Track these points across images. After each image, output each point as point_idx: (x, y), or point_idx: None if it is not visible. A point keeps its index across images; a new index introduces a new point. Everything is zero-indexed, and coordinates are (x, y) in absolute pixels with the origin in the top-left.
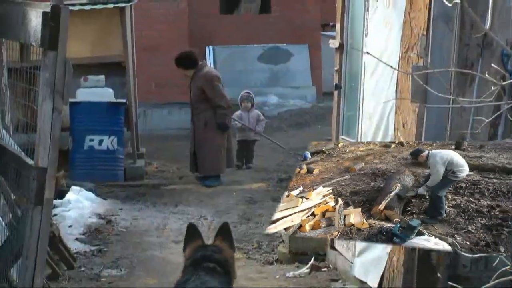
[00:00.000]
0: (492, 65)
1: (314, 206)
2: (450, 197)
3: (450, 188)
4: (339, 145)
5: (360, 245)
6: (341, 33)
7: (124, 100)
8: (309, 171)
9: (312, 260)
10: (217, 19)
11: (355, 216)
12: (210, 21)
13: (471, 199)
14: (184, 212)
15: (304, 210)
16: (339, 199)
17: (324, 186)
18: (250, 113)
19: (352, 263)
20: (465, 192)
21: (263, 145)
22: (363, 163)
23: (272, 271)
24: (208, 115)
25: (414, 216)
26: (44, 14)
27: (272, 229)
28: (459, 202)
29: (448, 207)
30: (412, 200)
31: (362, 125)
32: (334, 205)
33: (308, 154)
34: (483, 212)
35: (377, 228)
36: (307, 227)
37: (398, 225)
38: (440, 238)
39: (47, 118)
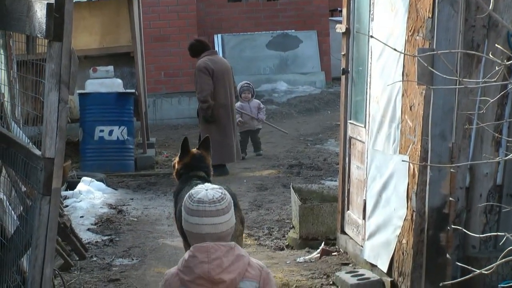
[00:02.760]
0: (498, 46)
1: None
2: None
3: None
4: None
5: (369, 228)
6: (347, 18)
7: (133, 91)
8: None
9: (323, 244)
10: (225, 7)
11: None
12: (218, 9)
13: None
14: None
15: None
16: None
17: None
18: (250, 103)
19: (362, 246)
20: None
21: (272, 132)
22: None
23: (283, 257)
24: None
25: None
26: (49, 5)
27: None
28: None
29: None
30: None
31: (370, 109)
32: None
33: None
34: None
35: None
36: None
37: None
38: None
39: (53, 109)
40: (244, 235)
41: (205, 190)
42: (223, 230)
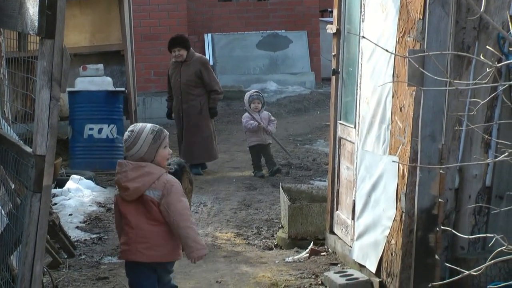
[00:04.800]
0: (488, 47)
1: None
2: None
3: None
4: None
5: (358, 229)
6: (338, 19)
7: (123, 89)
8: None
9: (311, 244)
10: (216, 7)
11: None
12: (209, 9)
13: None
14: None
15: None
16: None
17: None
18: (261, 114)
19: (351, 247)
20: None
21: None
22: None
23: (271, 256)
24: (203, 101)
25: None
26: (41, 2)
27: None
28: None
29: None
30: None
31: (360, 110)
32: None
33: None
34: None
35: None
36: None
37: None
38: None
39: (44, 106)
40: (232, 234)
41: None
42: (133, 154)
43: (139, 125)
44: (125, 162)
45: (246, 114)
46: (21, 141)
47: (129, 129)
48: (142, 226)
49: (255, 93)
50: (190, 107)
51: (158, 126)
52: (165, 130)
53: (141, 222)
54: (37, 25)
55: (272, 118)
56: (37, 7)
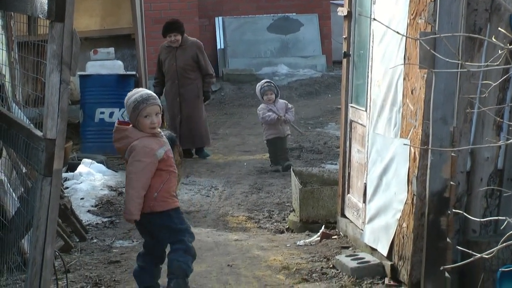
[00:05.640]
0: (500, 29)
1: None
2: None
3: None
4: None
5: (369, 212)
6: (349, 1)
7: (134, 73)
8: None
9: (323, 228)
10: None
11: None
12: None
13: None
14: (195, 183)
15: None
16: None
17: None
18: (277, 105)
19: (362, 230)
20: None
21: None
22: None
23: (283, 240)
24: (199, 84)
25: None
26: None
27: None
28: None
29: None
30: None
31: (371, 93)
32: None
33: None
34: None
35: None
36: None
37: None
38: None
39: (54, 90)
40: (244, 217)
41: None
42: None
43: (132, 92)
44: (116, 124)
45: (262, 105)
46: (32, 125)
47: None
48: None
49: (266, 84)
50: (187, 91)
51: (147, 95)
52: (152, 101)
53: None
54: (46, 8)
55: (290, 105)
56: None
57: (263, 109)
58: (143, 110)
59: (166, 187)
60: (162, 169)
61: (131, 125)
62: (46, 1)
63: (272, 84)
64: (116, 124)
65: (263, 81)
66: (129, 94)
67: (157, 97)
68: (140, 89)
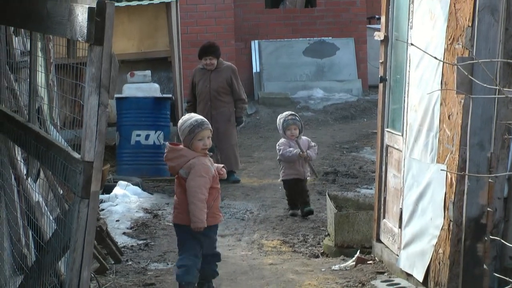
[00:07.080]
0: None
1: None
2: None
3: None
4: None
5: (405, 237)
6: (386, 25)
7: (170, 95)
8: None
9: (358, 253)
10: (263, 14)
11: None
12: (256, 16)
13: None
14: (230, 206)
15: None
16: None
17: None
18: (300, 141)
19: (397, 255)
20: None
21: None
22: None
23: (318, 264)
24: (232, 109)
25: None
26: (90, 9)
27: None
28: None
29: None
30: None
31: (408, 118)
32: None
33: None
34: None
35: None
36: None
37: None
38: None
39: (93, 113)
40: (279, 241)
41: None
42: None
43: (186, 116)
44: (168, 144)
45: (283, 140)
46: (69, 147)
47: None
48: (178, 196)
49: (290, 117)
50: (219, 114)
51: (201, 120)
52: (206, 125)
53: (178, 192)
54: (86, 31)
55: (313, 143)
56: (86, 13)
57: (284, 144)
58: (198, 134)
59: (216, 204)
60: (212, 186)
61: (182, 145)
62: (86, 25)
63: (297, 118)
64: (168, 145)
65: (286, 113)
66: (184, 118)
67: (208, 122)
68: (193, 114)
